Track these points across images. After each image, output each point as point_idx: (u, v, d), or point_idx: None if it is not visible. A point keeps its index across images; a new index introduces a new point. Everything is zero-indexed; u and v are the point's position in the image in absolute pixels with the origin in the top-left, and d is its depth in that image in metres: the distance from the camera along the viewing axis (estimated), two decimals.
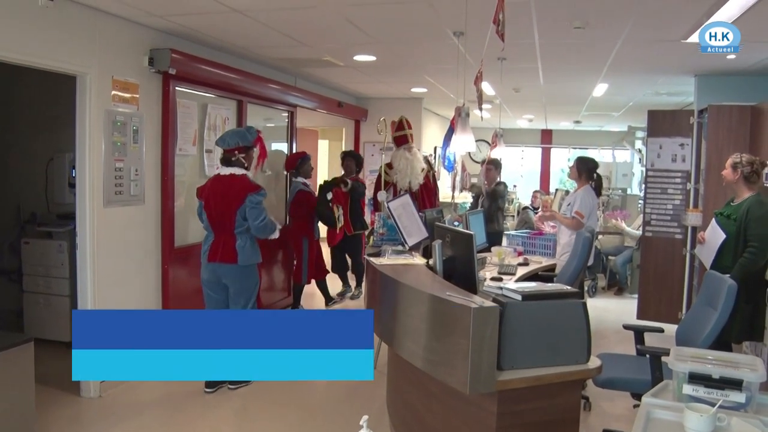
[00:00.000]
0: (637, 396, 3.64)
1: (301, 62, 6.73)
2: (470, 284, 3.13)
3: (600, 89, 8.01)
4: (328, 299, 7.34)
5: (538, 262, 5.51)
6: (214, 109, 5.83)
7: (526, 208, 9.62)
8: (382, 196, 6.50)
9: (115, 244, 4.73)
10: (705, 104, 6.38)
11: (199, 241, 4.95)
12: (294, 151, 7.45)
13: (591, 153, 13.51)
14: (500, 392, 2.57)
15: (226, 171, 4.66)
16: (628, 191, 10.53)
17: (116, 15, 4.62)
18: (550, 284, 3.29)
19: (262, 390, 4.81)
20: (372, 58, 6.35)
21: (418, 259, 3.98)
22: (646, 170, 7.01)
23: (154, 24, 4.93)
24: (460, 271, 3.33)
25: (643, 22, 4.61)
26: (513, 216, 10.75)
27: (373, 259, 3.90)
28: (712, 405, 1.98)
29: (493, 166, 7.57)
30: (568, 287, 2.95)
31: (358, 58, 6.38)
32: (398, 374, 3.77)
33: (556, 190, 11.77)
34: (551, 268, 5.41)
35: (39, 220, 5.74)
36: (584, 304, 2.75)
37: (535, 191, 10.43)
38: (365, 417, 1.96)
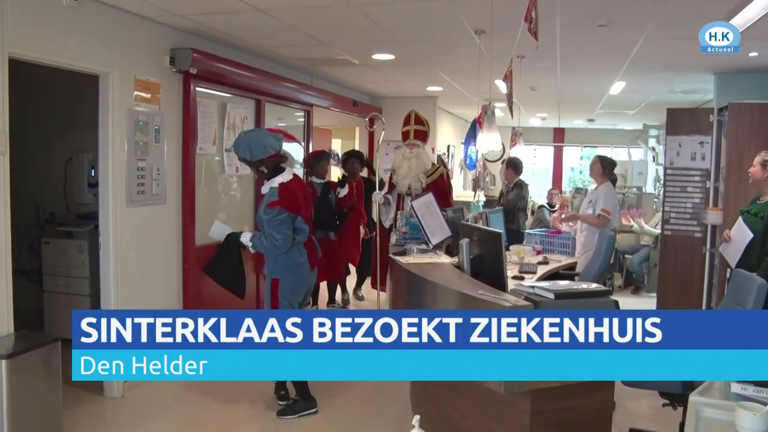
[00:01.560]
0: (666, 395, 3.61)
1: (318, 61, 6.72)
2: (499, 283, 3.12)
3: (617, 87, 7.96)
4: (331, 300, 7.15)
5: (558, 260, 5.48)
6: (233, 108, 5.83)
7: (541, 206, 9.56)
8: (376, 197, 5.99)
9: (137, 244, 4.73)
10: (725, 102, 6.32)
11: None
12: (311, 149, 7.43)
13: (604, 151, 13.47)
14: (534, 391, 2.56)
15: (290, 175, 4.20)
16: (643, 189, 10.48)
17: (138, 14, 4.62)
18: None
19: None
20: (390, 56, 6.33)
21: (444, 258, 3.97)
22: (665, 168, 6.97)
23: (176, 23, 4.93)
24: (489, 269, 3.31)
25: (667, 20, 4.57)
26: (527, 215, 10.70)
27: (398, 258, 3.89)
28: (762, 404, 1.96)
29: (506, 165, 7.36)
30: (600, 286, 2.94)
31: (377, 56, 6.36)
32: None
33: (572, 188, 11.72)
34: (571, 267, 5.38)
35: (58, 220, 5.75)
36: (616, 303, 2.74)
37: (551, 190, 10.36)
38: (417, 417, 1.91)
